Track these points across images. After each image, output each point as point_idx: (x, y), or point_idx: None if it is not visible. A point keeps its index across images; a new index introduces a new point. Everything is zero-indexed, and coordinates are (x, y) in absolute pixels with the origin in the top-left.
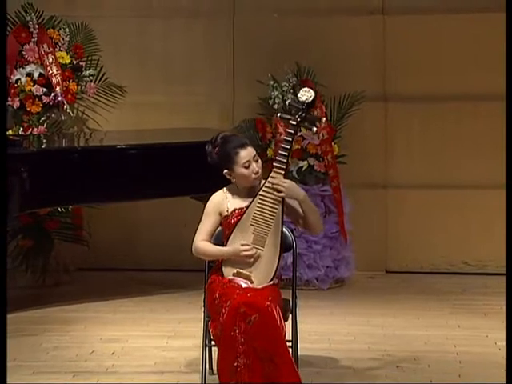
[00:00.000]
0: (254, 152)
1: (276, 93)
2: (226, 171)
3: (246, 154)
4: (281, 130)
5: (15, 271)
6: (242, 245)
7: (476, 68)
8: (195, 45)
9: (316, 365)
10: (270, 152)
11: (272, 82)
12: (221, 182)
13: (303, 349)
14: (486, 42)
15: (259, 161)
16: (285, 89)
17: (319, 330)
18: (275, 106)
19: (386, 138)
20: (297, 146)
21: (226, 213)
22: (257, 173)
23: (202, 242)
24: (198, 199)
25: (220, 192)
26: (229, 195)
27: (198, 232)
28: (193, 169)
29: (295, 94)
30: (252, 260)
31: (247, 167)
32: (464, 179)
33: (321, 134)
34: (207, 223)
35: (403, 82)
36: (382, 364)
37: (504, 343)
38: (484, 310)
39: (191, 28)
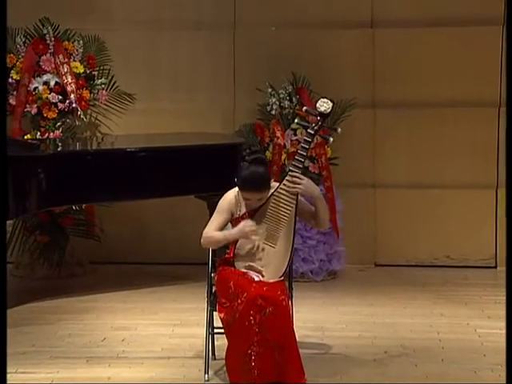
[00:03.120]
0: (261, 195)
1: (273, 100)
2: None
3: (251, 195)
4: (278, 134)
5: (33, 264)
6: (245, 225)
7: (458, 77)
8: (199, 55)
9: (310, 351)
10: (268, 154)
11: (270, 90)
12: (223, 183)
13: (299, 336)
14: (468, 53)
15: (263, 199)
16: (282, 96)
17: (313, 318)
18: (273, 112)
19: (374, 142)
20: (293, 149)
21: (236, 214)
22: (254, 207)
23: (211, 231)
24: (202, 198)
25: (233, 191)
26: (240, 197)
27: (208, 225)
28: (196, 170)
29: (291, 100)
30: (254, 235)
31: (247, 200)
32: (447, 179)
33: (315, 138)
34: (218, 219)
35: (391, 90)
36: (371, 350)
37: (484, 330)
38: (465, 300)
39: (195, 40)
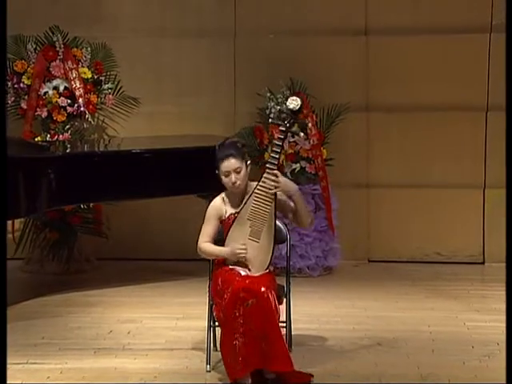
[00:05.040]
0: (238, 164)
1: (272, 104)
2: (217, 172)
3: (227, 165)
4: (276, 136)
5: (43, 260)
6: (239, 247)
7: (448, 82)
8: (201, 61)
9: (307, 342)
10: (266, 156)
11: (269, 94)
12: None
13: (296, 329)
14: (457, 59)
15: (242, 172)
16: (280, 100)
17: (310, 312)
18: (271, 115)
19: (368, 144)
20: (290, 151)
21: (223, 217)
22: (234, 183)
23: (205, 244)
24: (203, 197)
25: (218, 198)
26: (226, 201)
27: (201, 234)
28: (199, 170)
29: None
30: (245, 259)
31: (226, 176)
32: (437, 180)
33: (311, 140)
34: (208, 227)
35: (383, 95)
36: (364, 342)
37: (472, 323)
38: (454, 295)
39: (197, 47)
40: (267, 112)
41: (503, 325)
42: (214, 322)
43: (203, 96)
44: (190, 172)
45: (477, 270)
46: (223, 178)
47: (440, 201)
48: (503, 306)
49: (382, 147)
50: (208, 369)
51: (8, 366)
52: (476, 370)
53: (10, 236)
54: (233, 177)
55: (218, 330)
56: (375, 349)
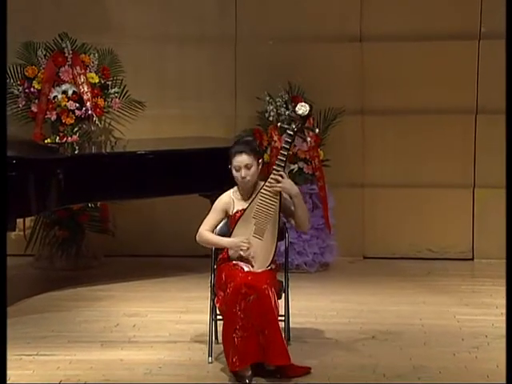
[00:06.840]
0: (249, 161)
1: (271, 107)
2: (229, 167)
3: (239, 160)
4: (275, 138)
5: (53, 257)
6: (243, 241)
7: (439, 87)
8: (203, 67)
9: (304, 336)
10: (266, 157)
11: (268, 98)
12: (224, 183)
13: (294, 322)
14: (448, 65)
15: (252, 168)
16: (279, 104)
17: (307, 306)
18: (271, 118)
19: (363, 145)
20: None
21: (230, 213)
22: (243, 178)
23: (206, 231)
24: (205, 196)
25: (228, 193)
26: (234, 197)
27: (203, 223)
28: (201, 171)
29: (287, 108)
30: (246, 255)
31: (237, 170)
32: (429, 180)
33: (309, 142)
34: (213, 217)
35: (378, 98)
36: (359, 335)
37: (462, 317)
38: (445, 289)
39: (200, 53)
40: (266, 115)
41: (492, 318)
42: (215, 316)
43: (205, 100)
44: (193, 172)
45: (467, 266)
46: (234, 171)
47: (432, 200)
48: (492, 301)
49: (377, 149)
50: (210, 360)
51: (19, 357)
52: (465, 361)
53: (20, 234)
54: (243, 172)
55: (220, 324)
56: (370, 341)
